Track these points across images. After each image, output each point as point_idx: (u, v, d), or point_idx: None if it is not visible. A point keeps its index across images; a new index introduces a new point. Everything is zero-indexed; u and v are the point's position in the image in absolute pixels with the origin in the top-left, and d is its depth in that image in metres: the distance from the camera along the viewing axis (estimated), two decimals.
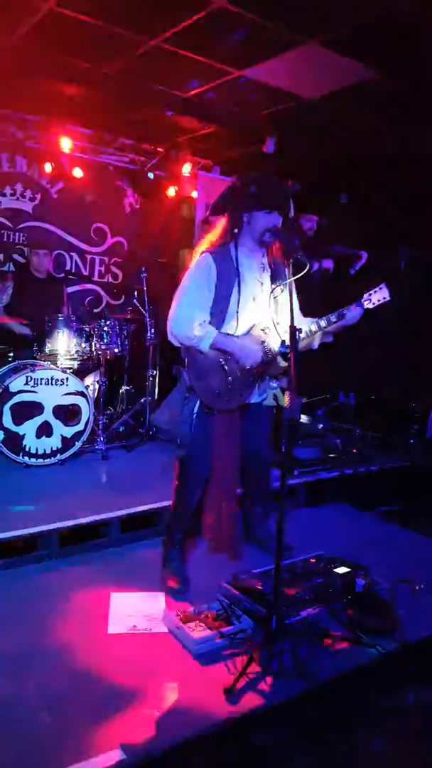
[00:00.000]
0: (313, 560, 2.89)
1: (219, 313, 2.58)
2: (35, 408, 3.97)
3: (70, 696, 2.00)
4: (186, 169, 5.91)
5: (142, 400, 4.85)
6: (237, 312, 2.59)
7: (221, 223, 2.66)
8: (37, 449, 3.94)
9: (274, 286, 2.63)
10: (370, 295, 2.65)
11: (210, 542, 2.80)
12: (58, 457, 4.02)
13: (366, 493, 4.08)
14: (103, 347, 4.42)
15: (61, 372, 4.09)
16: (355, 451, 4.53)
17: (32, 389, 3.97)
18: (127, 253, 6.02)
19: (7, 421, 3.84)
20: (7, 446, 3.82)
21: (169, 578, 2.70)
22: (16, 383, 3.91)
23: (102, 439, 4.34)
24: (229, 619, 2.36)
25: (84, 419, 4.14)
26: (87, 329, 4.39)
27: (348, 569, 2.78)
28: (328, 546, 3.03)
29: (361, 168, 5.57)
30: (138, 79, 4.46)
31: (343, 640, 2.32)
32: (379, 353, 5.29)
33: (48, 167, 5.38)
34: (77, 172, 5.44)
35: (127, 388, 5.11)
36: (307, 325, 2.63)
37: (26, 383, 3.95)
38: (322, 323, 2.63)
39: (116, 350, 4.52)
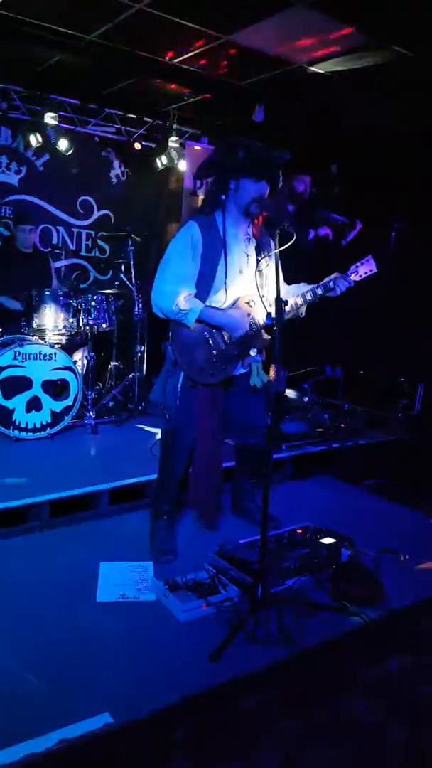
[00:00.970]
0: (300, 531, 2.93)
1: (205, 284, 2.56)
2: (24, 383, 3.97)
3: (57, 660, 2.05)
4: (173, 139, 5.80)
5: (131, 376, 4.84)
6: (225, 284, 2.57)
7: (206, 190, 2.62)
8: (26, 423, 3.95)
9: (259, 258, 2.61)
10: (356, 267, 2.65)
11: (195, 513, 2.84)
12: (48, 431, 4.03)
13: (353, 467, 4.13)
14: (91, 322, 4.41)
15: (49, 347, 4.07)
16: (342, 425, 4.57)
17: (20, 364, 3.96)
18: (114, 226, 5.94)
19: None
20: None
21: (156, 548, 2.74)
22: (5, 358, 3.90)
23: (91, 413, 4.34)
24: (216, 588, 2.41)
25: (73, 394, 4.14)
26: (74, 304, 4.37)
27: (333, 540, 2.83)
28: (314, 519, 3.07)
29: (352, 139, 5.50)
30: (122, 45, 4.36)
31: (328, 609, 2.37)
32: (368, 327, 5.29)
33: (33, 139, 5.26)
34: (63, 144, 5.33)
35: (116, 363, 5.10)
36: (293, 297, 2.62)
37: (14, 358, 3.94)
38: (308, 296, 2.63)
39: (104, 325, 4.52)
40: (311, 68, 4.44)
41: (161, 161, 5.90)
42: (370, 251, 2.73)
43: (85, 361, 4.56)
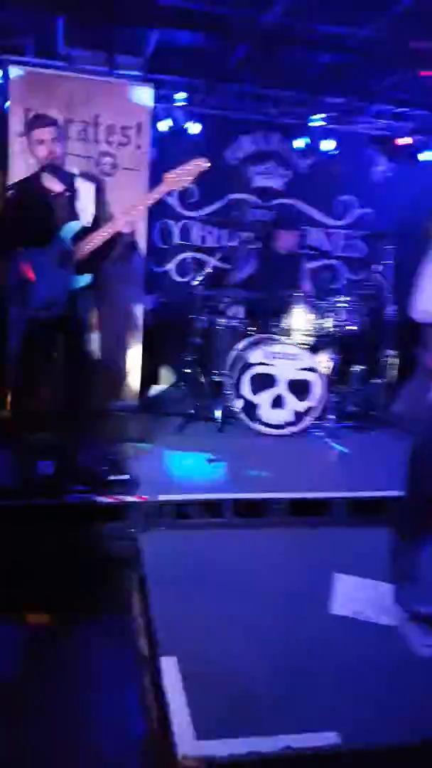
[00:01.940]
0: None
1: None
2: (270, 380, 4.13)
3: (291, 667, 2.06)
4: None
5: (377, 381, 4.67)
6: None
7: None
8: (270, 419, 4.11)
9: None
10: None
11: None
12: (290, 429, 4.13)
13: None
14: (340, 324, 4.37)
15: (296, 347, 4.16)
16: None
17: (269, 362, 4.13)
18: (373, 225, 5.78)
19: (247, 390, 4.08)
20: (245, 414, 4.08)
21: (398, 571, 2.58)
22: (255, 356, 4.11)
23: (332, 417, 4.32)
24: None
25: (316, 395, 4.17)
26: (324, 305, 4.38)
27: None
28: None
29: None
30: (394, 40, 4.17)
31: None
32: None
33: (300, 142, 5.40)
34: (329, 145, 5.36)
35: (361, 367, 4.97)
36: None
37: (264, 356, 4.12)
38: None
39: (353, 327, 4.42)
40: None
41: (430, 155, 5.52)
42: None
43: (330, 363, 4.54)
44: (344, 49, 4.42)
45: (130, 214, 2.97)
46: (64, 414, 3.31)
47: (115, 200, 4.41)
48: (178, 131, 5.11)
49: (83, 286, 3.06)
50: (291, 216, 5.39)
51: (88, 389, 3.34)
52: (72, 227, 3.03)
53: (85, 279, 3.05)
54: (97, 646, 2.27)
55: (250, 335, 4.48)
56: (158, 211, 5.14)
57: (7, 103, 4.33)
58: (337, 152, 5.44)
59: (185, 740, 1.70)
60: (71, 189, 3.10)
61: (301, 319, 4.34)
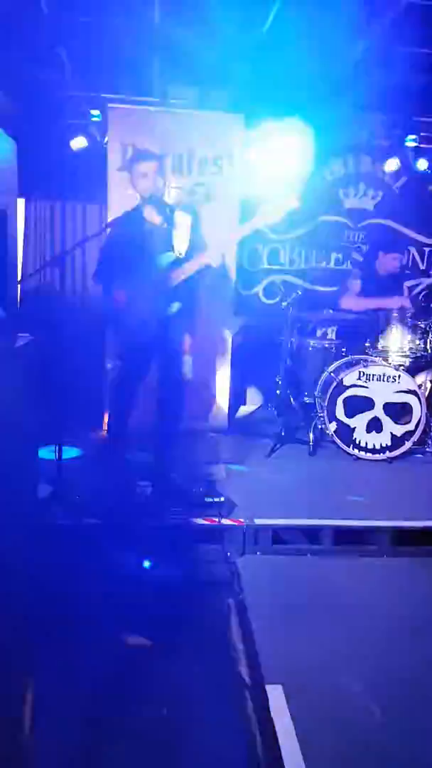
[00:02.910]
0: None
1: None
2: (366, 403, 4.01)
3: (400, 700, 1.96)
4: None
5: None
6: None
7: None
8: (366, 443, 3.99)
9: None
10: None
11: None
12: (387, 454, 3.98)
13: None
14: None
15: (393, 369, 4.03)
16: None
17: (364, 384, 4.02)
18: None
19: (340, 413, 3.99)
20: (339, 437, 3.97)
21: None
22: (350, 377, 4.01)
23: None
24: None
25: (415, 419, 4.00)
26: (422, 325, 4.22)
27: None
28: None
29: None
30: None
31: None
32: None
33: (392, 164, 5.32)
34: (422, 164, 5.24)
35: None
36: None
37: (359, 378, 4.02)
38: None
39: None
40: None
41: None
42: None
43: (429, 385, 4.36)
44: None
45: (222, 246, 3.06)
46: (157, 435, 3.39)
47: (208, 229, 4.53)
48: (268, 158, 5.16)
49: (175, 312, 3.14)
50: (389, 237, 5.27)
51: (180, 411, 3.40)
52: (168, 257, 3.14)
53: (175, 306, 3.13)
54: (197, 670, 2.25)
55: (343, 356, 4.40)
56: (247, 235, 5.20)
57: (106, 139, 4.58)
58: (430, 171, 5.30)
59: None
60: (169, 221, 3.22)
61: (398, 340, 4.20)
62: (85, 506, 2.89)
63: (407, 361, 4.25)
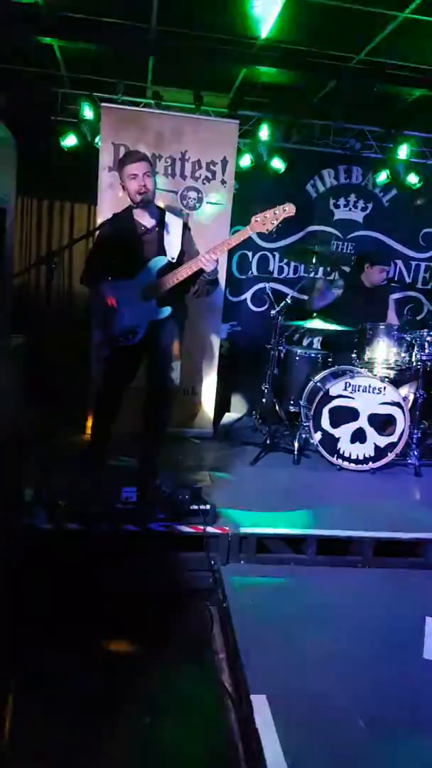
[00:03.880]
0: None
1: None
2: (351, 413, 4.04)
3: (382, 710, 1.96)
4: None
5: None
6: None
7: None
8: (350, 454, 4.01)
9: None
10: None
11: None
12: (370, 465, 4.01)
13: None
14: (424, 358, 4.23)
15: (379, 381, 4.06)
16: None
17: (350, 395, 4.05)
18: None
19: (326, 422, 4.00)
20: (324, 446, 3.99)
21: None
22: (336, 388, 4.03)
23: (416, 453, 4.16)
24: None
25: (399, 431, 4.04)
26: (408, 338, 4.26)
27: None
28: None
29: None
30: None
31: None
32: None
33: (382, 176, 5.38)
34: (412, 178, 5.31)
35: None
36: None
37: (345, 389, 4.05)
38: None
39: None
40: None
41: None
42: None
43: (413, 397, 4.41)
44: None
45: (213, 253, 3.03)
46: (142, 439, 3.36)
47: (200, 234, 4.52)
48: (261, 166, 5.20)
49: (164, 318, 3.12)
50: (378, 250, 5.33)
51: (167, 417, 3.38)
52: (158, 261, 3.12)
53: (165, 311, 3.11)
54: (179, 679, 2.23)
55: (329, 366, 4.43)
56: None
57: (98, 139, 4.55)
58: (420, 185, 5.38)
59: None
60: (161, 224, 3.19)
61: (384, 352, 4.24)
62: (69, 512, 2.85)
63: (392, 373, 4.29)
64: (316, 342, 4.96)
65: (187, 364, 4.60)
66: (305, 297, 5.56)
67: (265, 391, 4.54)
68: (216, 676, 2.26)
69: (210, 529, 2.88)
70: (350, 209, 5.59)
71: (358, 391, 4.05)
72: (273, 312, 4.46)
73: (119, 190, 4.25)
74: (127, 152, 3.31)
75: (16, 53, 4.60)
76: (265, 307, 5.51)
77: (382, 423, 4.05)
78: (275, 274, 5.59)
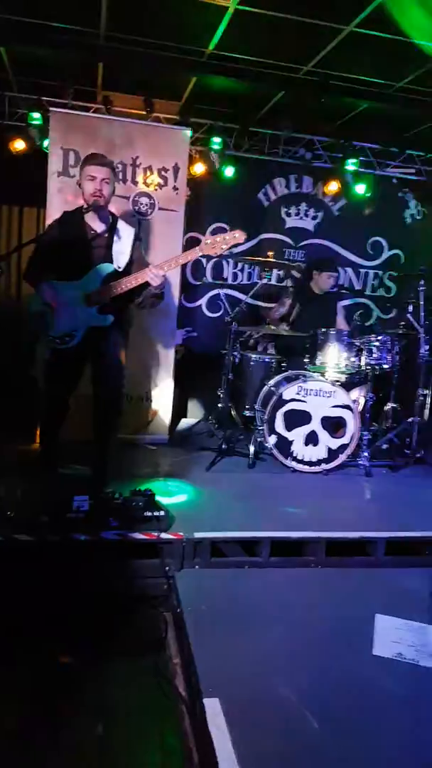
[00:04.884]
0: None
1: None
2: (304, 417, 4.10)
3: (334, 707, 1.99)
4: None
5: (410, 420, 4.62)
6: None
7: None
8: (303, 456, 4.07)
9: None
10: None
11: None
12: (323, 466, 4.08)
13: None
14: (372, 362, 4.35)
15: (330, 384, 4.14)
16: None
17: (303, 399, 4.11)
18: (403, 266, 5.84)
19: (280, 426, 4.05)
20: (278, 450, 4.05)
21: None
22: (289, 392, 4.09)
23: (366, 454, 4.26)
24: None
25: (349, 433, 4.13)
26: (357, 343, 4.37)
27: None
28: None
29: None
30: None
31: None
32: None
33: (333, 186, 5.52)
34: (361, 188, 5.46)
35: (394, 405, 4.94)
36: None
37: (298, 393, 4.11)
38: None
39: (385, 366, 4.41)
40: None
41: None
42: None
43: (363, 400, 4.52)
44: (382, 97, 4.55)
45: (161, 268, 3.04)
46: (93, 448, 3.32)
47: (153, 240, 4.53)
48: (213, 173, 5.25)
49: (106, 326, 3.10)
50: (327, 257, 5.44)
51: (116, 424, 3.35)
52: (105, 268, 3.10)
53: (107, 319, 3.09)
54: (133, 686, 2.21)
55: (283, 371, 4.49)
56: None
57: (47, 143, 4.51)
58: (368, 195, 5.54)
59: None
60: (111, 231, 3.18)
61: (334, 357, 4.34)
62: (18, 522, 2.78)
63: (343, 377, 4.39)
64: (271, 347, 5.03)
65: (142, 371, 4.61)
66: (260, 303, 5.64)
67: (221, 396, 4.56)
68: (171, 682, 2.25)
69: (164, 536, 2.87)
70: (301, 218, 5.70)
71: (311, 394, 4.12)
72: (227, 318, 4.50)
73: (68, 195, 4.24)
74: (91, 153, 3.29)
75: None
76: (220, 312, 5.55)
77: (334, 425, 4.14)
78: (229, 281, 5.63)
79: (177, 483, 3.70)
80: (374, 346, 4.37)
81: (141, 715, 2.07)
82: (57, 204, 4.27)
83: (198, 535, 2.93)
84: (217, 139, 5.13)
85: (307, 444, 4.08)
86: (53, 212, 4.22)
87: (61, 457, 3.45)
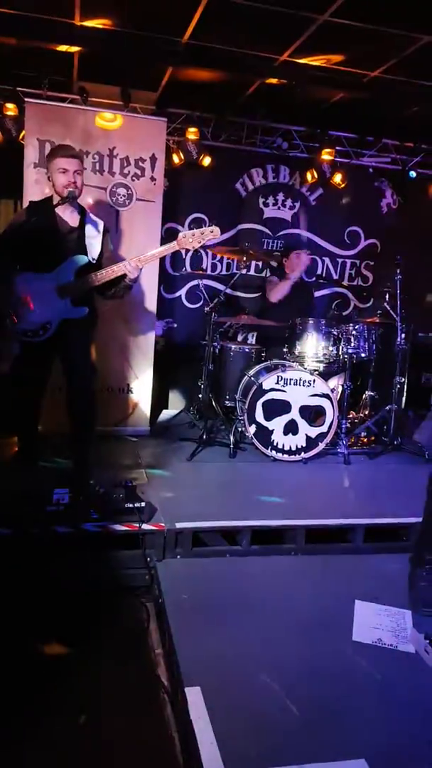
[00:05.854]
0: None
1: None
2: (283, 406, 4.14)
3: (315, 695, 2.04)
4: None
5: (387, 408, 4.69)
6: None
7: None
8: (283, 445, 4.12)
9: None
10: None
11: None
12: (302, 455, 4.13)
13: None
14: (350, 351, 4.41)
15: (309, 374, 4.19)
16: None
17: (282, 388, 4.15)
18: (380, 255, 5.89)
19: (260, 416, 4.09)
20: (258, 439, 4.08)
21: (417, 598, 2.57)
22: (269, 382, 4.13)
23: (344, 442, 4.33)
24: None
25: (328, 421, 4.19)
26: (335, 332, 4.42)
27: None
28: None
29: None
30: (406, 77, 4.34)
31: None
32: None
33: (309, 176, 5.53)
34: (337, 178, 5.48)
35: (372, 393, 5.00)
36: None
37: (277, 382, 4.15)
38: None
39: (363, 354, 4.48)
40: None
41: None
42: None
43: (341, 389, 4.57)
44: (357, 86, 4.56)
45: (140, 262, 3.06)
46: (72, 440, 3.33)
47: (131, 230, 4.51)
48: (191, 164, 5.22)
49: (79, 318, 3.09)
50: (304, 247, 5.46)
51: (93, 416, 3.35)
52: (79, 260, 3.08)
53: (81, 311, 3.09)
54: (116, 676, 2.24)
55: (262, 361, 4.52)
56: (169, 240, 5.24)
57: (22, 134, 4.44)
58: (345, 185, 5.57)
59: None
60: (82, 223, 3.16)
61: (313, 346, 4.38)
62: None
63: (321, 367, 4.44)
64: (251, 337, 5.05)
65: (123, 362, 4.61)
66: (239, 294, 5.65)
67: (202, 386, 4.58)
68: (153, 671, 2.28)
69: (145, 526, 2.89)
70: (279, 208, 5.70)
71: (290, 384, 4.16)
72: (207, 308, 4.51)
73: (45, 186, 4.17)
74: (60, 145, 3.26)
75: None
76: (200, 303, 5.55)
77: (313, 414, 4.19)
78: (209, 271, 5.62)
79: (159, 473, 3.72)
80: (352, 335, 4.43)
81: (123, 705, 2.10)
82: (33, 195, 4.20)
83: (179, 525, 2.96)
84: (193, 129, 5.10)
85: (286, 433, 4.13)
86: None
87: (41, 451, 3.44)
